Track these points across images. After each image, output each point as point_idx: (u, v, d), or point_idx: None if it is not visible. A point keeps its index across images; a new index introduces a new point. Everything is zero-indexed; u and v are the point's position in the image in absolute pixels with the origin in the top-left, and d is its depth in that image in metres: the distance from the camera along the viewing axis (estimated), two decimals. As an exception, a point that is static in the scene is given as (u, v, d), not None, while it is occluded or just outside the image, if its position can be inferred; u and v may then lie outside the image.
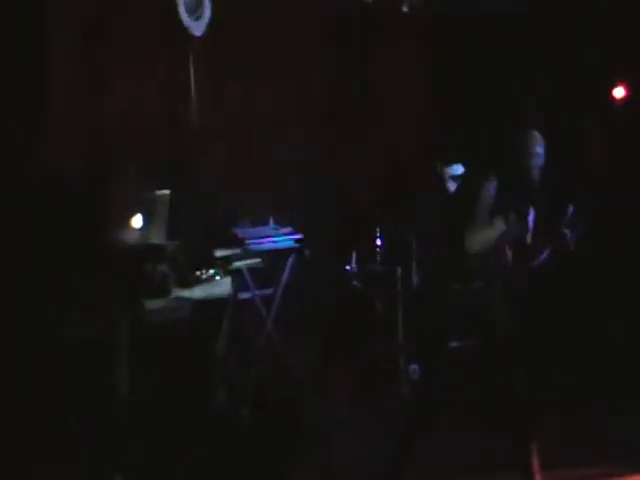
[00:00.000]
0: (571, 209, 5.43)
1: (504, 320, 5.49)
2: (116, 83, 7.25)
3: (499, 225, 5.36)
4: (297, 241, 7.34)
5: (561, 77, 8.39)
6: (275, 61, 8.18)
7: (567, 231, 5.42)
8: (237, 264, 7.02)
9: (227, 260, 7.00)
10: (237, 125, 7.88)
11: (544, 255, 5.50)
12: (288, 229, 7.35)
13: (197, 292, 6.53)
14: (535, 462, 5.35)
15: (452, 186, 7.61)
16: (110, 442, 5.78)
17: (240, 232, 7.22)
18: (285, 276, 7.29)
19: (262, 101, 8.07)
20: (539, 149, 5.45)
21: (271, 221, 7.44)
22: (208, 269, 6.91)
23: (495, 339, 5.44)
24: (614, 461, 6.13)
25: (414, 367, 7.35)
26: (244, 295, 7.16)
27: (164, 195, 6.05)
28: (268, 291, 7.30)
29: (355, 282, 7.79)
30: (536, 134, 5.51)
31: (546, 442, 5.42)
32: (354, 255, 7.79)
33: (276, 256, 7.26)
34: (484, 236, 5.34)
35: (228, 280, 6.94)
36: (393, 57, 8.91)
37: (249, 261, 7.10)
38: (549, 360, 7.57)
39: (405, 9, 8.78)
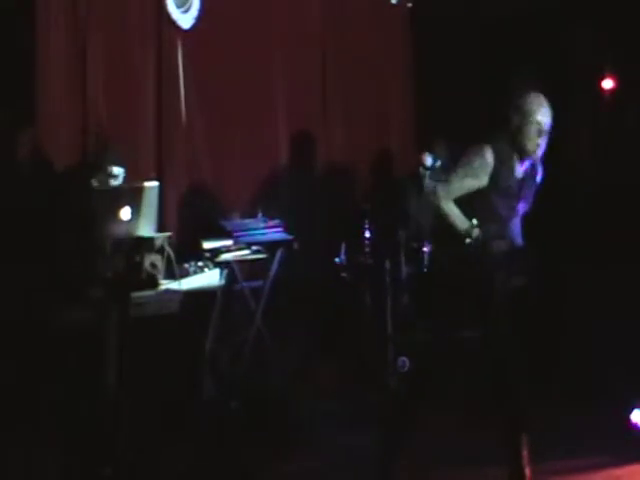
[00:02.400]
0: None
1: (504, 315, 5.44)
2: (104, 77, 7.25)
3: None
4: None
5: (549, 69, 8.40)
6: (266, 53, 8.20)
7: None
8: (225, 256, 7.02)
9: (215, 252, 7.00)
10: (226, 118, 7.87)
11: None
12: (276, 221, 7.34)
13: (186, 285, 6.52)
14: (525, 454, 5.34)
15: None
16: (99, 436, 5.77)
17: (228, 224, 7.22)
18: (274, 269, 7.28)
19: (252, 94, 8.07)
20: (544, 112, 5.34)
21: (260, 214, 7.44)
22: (197, 261, 6.92)
23: (492, 332, 5.40)
24: (603, 453, 6.15)
25: (403, 359, 7.35)
26: (233, 288, 7.15)
27: (153, 187, 6.02)
28: (257, 283, 7.29)
29: (344, 274, 7.79)
30: (540, 96, 5.40)
31: (535, 434, 5.43)
32: (343, 247, 7.79)
33: (265, 248, 7.25)
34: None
35: (216, 272, 6.95)
36: (381, 51, 8.92)
37: (237, 253, 7.09)
38: (539, 353, 7.57)
39: (393, 1, 8.82)
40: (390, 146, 8.98)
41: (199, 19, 7.63)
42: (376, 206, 7.98)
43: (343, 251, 7.76)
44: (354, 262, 7.77)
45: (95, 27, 7.08)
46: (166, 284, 6.37)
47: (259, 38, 8.09)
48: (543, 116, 5.30)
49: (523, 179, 5.42)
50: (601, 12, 8.21)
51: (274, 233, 7.31)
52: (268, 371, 7.17)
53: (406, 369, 7.29)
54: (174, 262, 6.42)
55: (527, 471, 5.33)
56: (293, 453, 6.30)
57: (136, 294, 5.97)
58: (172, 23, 7.50)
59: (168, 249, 6.35)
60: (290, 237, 7.30)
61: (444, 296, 5.44)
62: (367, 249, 7.75)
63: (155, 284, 6.22)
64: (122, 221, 5.77)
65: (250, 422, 6.63)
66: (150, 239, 6.02)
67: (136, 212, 5.82)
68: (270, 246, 7.26)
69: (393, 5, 8.98)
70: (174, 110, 7.51)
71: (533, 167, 5.46)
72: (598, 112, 8.48)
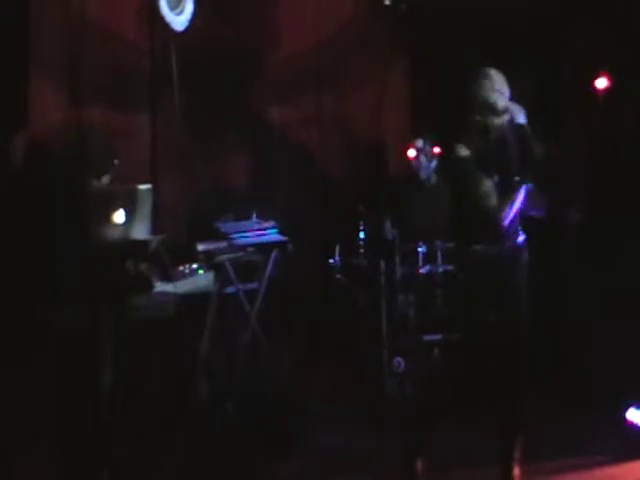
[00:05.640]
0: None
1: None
2: (97, 79, 7.26)
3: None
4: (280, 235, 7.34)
5: (543, 69, 8.40)
6: (260, 54, 8.21)
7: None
8: (220, 258, 7.01)
9: (210, 255, 6.99)
10: (220, 119, 7.88)
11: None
12: (271, 223, 7.34)
13: (180, 287, 6.51)
14: (517, 454, 5.34)
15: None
16: (95, 440, 5.76)
17: (223, 226, 7.22)
18: (268, 270, 7.27)
19: (246, 95, 8.08)
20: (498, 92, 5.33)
21: (254, 215, 7.43)
22: (191, 264, 6.91)
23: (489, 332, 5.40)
24: (598, 452, 6.16)
25: (398, 360, 7.35)
26: (228, 290, 7.15)
27: (147, 190, 6.01)
28: (252, 285, 7.28)
29: (339, 276, 7.78)
30: (492, 74, 5.39)
31: (531, 433, 5.44)
32: (337, 249, 7.78)
33: (259, 250, 7.24)
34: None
35: (211, 275, 6.94)
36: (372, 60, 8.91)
37: (232, 255, 7.09)
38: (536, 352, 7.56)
39: (387, 2, 8.79)
40: (385, 145, 8.97)
41: (192, 21, 7.63)
42: (370, 206, 7.97)
43: (337, 252, 7.75)
44: (349, 263, 7.76)
45: (88, 30, 7.10)
46: (160, 287, 6.37)
47: (253, 39, 8.10)
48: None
49: None
50: (597, 11, 8.21)
51: (269, 235, 7.30)
52: (263, 373, 7.16)
53: (401, 370, 7.29)
54: (168, 265, 6.42)
55: (516, 471, 5.33)
56: (288, 454, 6.31)
57: (130, 297, 5.97)
58: (165, 25, 7.50)
59: (162, 252, 6.34)
60: (285, 239, 7.30)
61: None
62: (361, 250, 7.74)
63: (149, 287, 6.21)
64: (116, 224, 5.77)
65: (246, 424, 6.62)
66: (144, 242, 6.02)
67: (130, 215, 5.82)
68: (265, 248, 7.25)
69: (387, 6, 8.95)
70: (168, 111, 7.52)
71: None
72: (592, 110, 8.47)
